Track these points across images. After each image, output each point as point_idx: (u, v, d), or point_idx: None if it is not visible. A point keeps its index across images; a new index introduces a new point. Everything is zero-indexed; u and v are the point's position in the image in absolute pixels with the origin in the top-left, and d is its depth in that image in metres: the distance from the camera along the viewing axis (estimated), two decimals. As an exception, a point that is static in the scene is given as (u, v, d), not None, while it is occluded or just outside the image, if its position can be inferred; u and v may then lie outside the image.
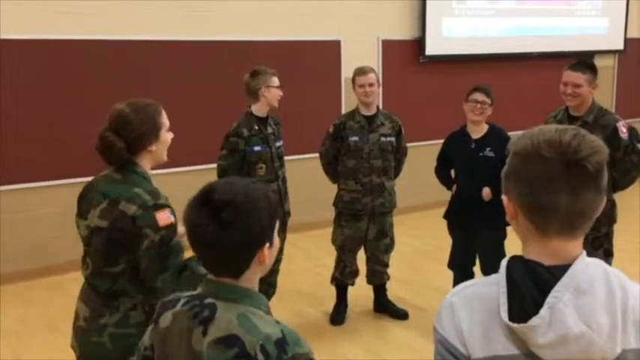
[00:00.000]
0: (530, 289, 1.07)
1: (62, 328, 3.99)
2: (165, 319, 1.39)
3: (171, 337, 1.37)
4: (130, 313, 2.09)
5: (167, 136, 2.18)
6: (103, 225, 2.07)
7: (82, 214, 2.17)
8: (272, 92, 3.77)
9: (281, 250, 4.01)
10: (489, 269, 3.88)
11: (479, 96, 3.80)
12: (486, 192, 3.73)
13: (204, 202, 1.32)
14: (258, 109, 3.81)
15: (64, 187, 4.94)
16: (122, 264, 2.07)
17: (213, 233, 1.29)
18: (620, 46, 8.12)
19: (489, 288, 1.13)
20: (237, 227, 1.29)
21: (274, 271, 3.98)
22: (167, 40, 5.37)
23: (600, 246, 3.51)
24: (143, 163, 2.13)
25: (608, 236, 3.58)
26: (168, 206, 2.07)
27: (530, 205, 1.11)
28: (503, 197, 1.16)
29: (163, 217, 2.02)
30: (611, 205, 3.53)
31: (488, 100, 3.80)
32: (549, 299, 1.05)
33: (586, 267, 1.09)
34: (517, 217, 1.16)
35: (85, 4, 5.01)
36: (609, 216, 3.51)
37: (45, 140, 5.00)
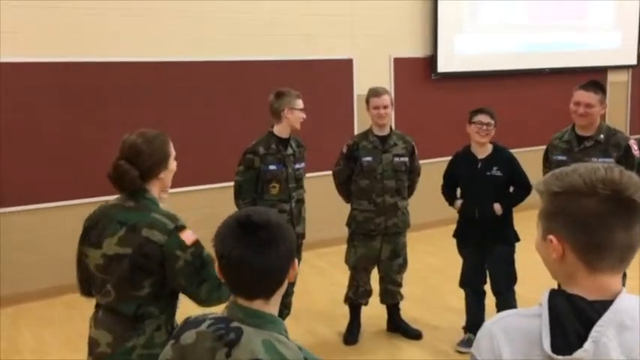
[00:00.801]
0: (573, 323, 1.10)
1: (80, 347, 4.02)
2: (188, 338, 1.41)
3: (192, 356, 1.39)
4: (155, 333, 2.16)
5: (173, 165, 2.30)
6: (126, 252, 2.13)
7: (93, 243, 2.21)
8: (295, 114, 3.79)
9: (295, 273, 4.01)
10: (500, 286, 3.89)
11: (484, 118, 3.81)
12: (497, 207, 3.80)
13: (242, 225, 1.37)
14: (280, 129, 3.84)
15: (76, 207, 5.00)
16: (147, 287, 2.13)
17: (254, 254, 1.35)
18: (634, 61, 8.10)
19: (530, 320, 1.16)
20: (275, 245, 1.37)
21: (289, 292, 4.00)
22: (183, 62, 5.45)
23: None
24: (153, 190, 2.24)
25: None
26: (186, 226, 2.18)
27: (586, 243, 1.13)
28: (551, 238, 1.16)
29: (188, 236, 2.13)
30: None
31: (493, 122, 3.82)
32: (593, 333, 1.08)
33: (629, 304, 1.12)
34: (564, 258, 1.16)
35: (98, 26, 5.09)
36: None
37: (67, 159, 5.08)
